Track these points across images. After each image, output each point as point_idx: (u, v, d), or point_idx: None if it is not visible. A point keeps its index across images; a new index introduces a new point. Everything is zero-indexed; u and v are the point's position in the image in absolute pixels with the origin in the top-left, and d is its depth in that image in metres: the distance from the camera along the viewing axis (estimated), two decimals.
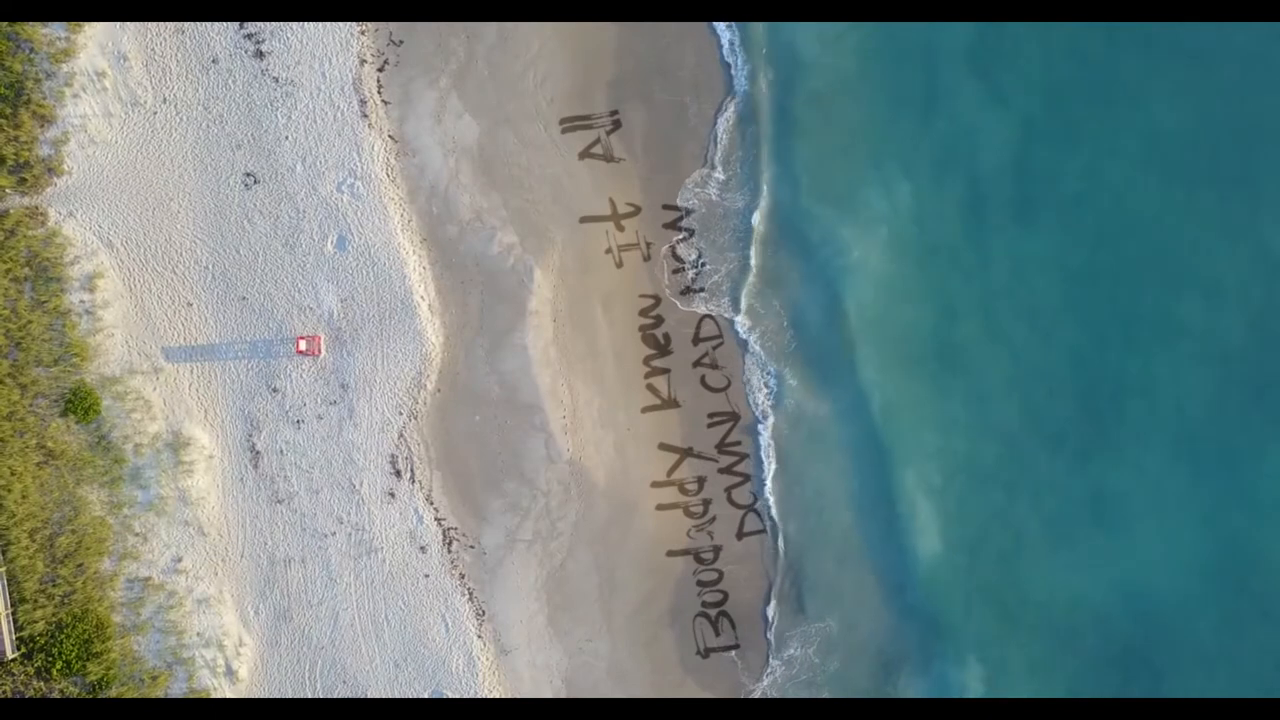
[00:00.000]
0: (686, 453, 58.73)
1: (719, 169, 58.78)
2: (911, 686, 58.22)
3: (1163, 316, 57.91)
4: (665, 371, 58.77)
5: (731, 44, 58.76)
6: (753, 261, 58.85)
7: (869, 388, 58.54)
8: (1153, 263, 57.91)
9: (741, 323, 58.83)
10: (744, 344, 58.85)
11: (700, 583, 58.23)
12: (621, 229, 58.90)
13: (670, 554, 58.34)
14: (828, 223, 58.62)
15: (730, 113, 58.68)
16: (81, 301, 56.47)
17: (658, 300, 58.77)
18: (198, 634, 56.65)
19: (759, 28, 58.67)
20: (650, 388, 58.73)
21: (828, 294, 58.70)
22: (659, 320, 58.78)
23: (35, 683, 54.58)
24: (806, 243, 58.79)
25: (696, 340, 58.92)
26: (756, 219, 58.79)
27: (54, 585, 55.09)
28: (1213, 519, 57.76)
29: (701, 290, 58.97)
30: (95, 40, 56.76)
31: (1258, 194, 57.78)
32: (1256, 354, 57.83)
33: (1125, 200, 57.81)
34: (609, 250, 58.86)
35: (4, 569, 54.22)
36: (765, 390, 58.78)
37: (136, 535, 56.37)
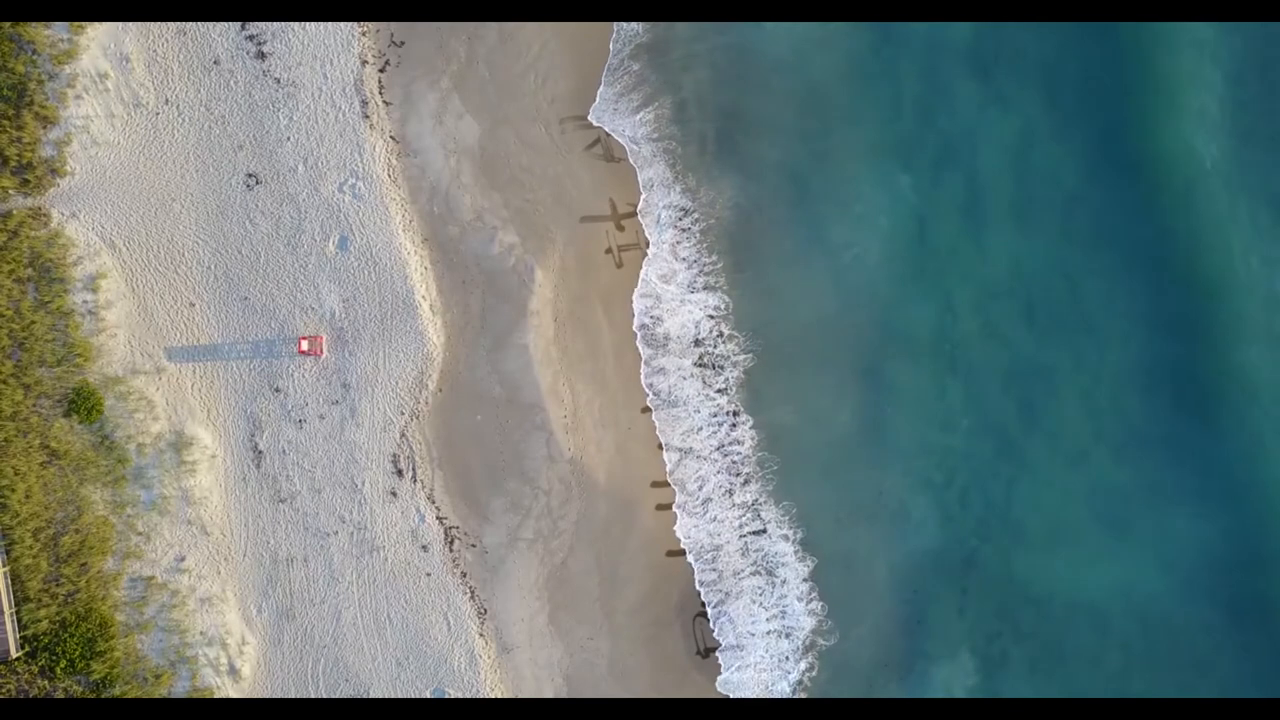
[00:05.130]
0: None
1: (717, 169, 58.82)
2: (910, 686, 58.36)
3: (1161, 314, 58.07)
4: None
5: (730, 44, 58.78)
6: (746, 260, 58.96)
7: (866, 385, 58.61)
8: (1150, 261, 58.07)
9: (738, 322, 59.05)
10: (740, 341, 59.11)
11: (700, 582, 58.32)
12: (621, 229, 59.00)
13: (670, 554, 58.46)
14: (824, 220, 58.74)
15: (730, 113, 58.76)
16: (84, 302, 56.67)
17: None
18: (201, 633, 56.86)
19: (758, 28, 58.63)
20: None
21: (825, 291, 58.80)
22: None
23: (39, 681, 54.83)
24: (804, 241, 58.88)
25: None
26: (754, 218, 58.82)
27: (57, 584, 55.33)
28: (1212, 517, 57.84)
29: (702, 290, 59.00)
30: (97, 42, 56.93)
31: (1258, 191, 57.84)
32: (1258, 351, 57.85)
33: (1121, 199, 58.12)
34: (609, 250, 58.96)
35: (8, 568, 54.47)
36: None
37: (139, 535, 56.60)
